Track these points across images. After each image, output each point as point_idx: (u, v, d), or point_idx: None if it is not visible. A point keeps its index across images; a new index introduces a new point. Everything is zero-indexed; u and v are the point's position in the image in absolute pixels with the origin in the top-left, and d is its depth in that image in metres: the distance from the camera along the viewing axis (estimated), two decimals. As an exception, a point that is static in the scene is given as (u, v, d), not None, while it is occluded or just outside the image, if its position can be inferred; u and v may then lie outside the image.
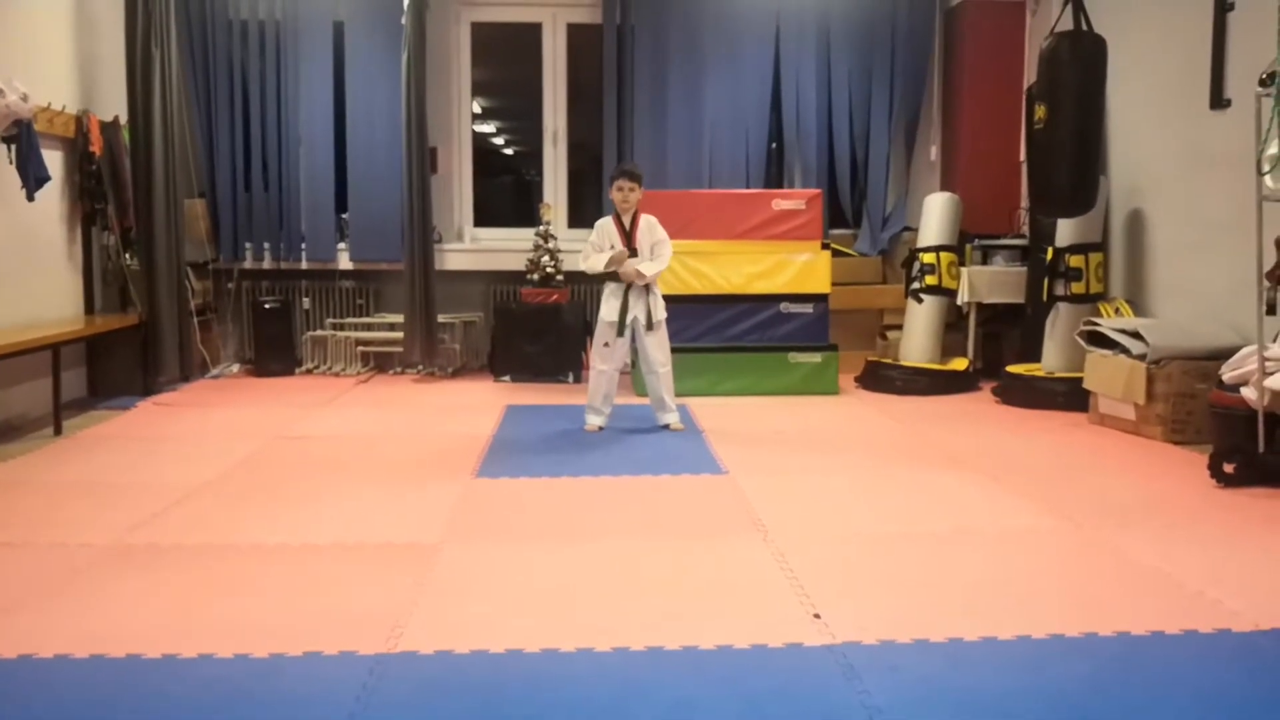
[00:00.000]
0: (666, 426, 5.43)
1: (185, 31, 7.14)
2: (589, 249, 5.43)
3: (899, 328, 7.11)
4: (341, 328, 7.54)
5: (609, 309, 5.37)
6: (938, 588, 3.10)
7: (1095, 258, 6.18)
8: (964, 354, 6.96)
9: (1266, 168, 4.17)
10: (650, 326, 5.37)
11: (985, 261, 7.00)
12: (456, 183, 7.84)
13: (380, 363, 7.53)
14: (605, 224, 5.45)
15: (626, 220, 5.40)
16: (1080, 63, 5.60)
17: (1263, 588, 3.09)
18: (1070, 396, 5.88)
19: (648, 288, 5.38)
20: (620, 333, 5.35)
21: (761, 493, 4.16)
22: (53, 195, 5.98)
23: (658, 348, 5.41)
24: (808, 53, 7.58)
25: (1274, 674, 2.52)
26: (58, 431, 5.36)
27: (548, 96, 7.84)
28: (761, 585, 3.11)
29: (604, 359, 5.39)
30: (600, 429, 5.41)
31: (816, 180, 7.55)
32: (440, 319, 7.25)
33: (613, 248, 5.35)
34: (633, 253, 5.35)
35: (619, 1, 7.45)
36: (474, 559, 3.37)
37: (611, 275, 5.37)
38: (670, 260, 5.45)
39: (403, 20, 6.94)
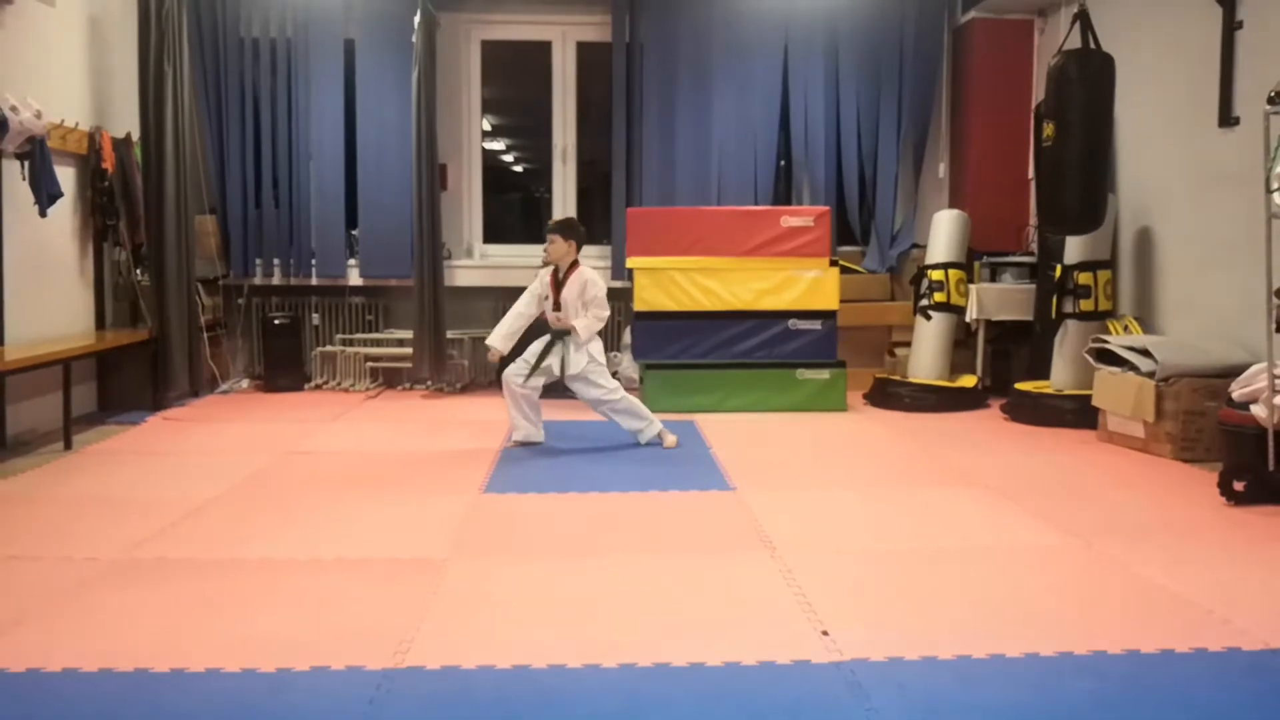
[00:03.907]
0: (653, 442, 5.38)
1: (197, 49, 7.19)
2: (518, 303, 5.35)
3: (907, 344, 7.11)
4: (351, 343, 7.56)
5: (531, 350, 5.30)
6: (946, 605, 3.09)
7: (1104, 275, 6.18)
8: (972, 371, 6.95)
9: (1275, 185, 4.17)
10: (562, 377, 5.31)
11: (994, 279, 7.01)
12: (466, 199, 7.88)
13: (389, 378, 7.55)
14: (543, 275, 5.39)
15: (560, 274, 5.33)
16: (1088, 80, 5.61)
17: (1272, 606, 3.08)
18: (1079, 414, 5.87)
19: (571, 342, 5.30)
20: (527, 377, 5.28)
21: (769, 509, 4.15)
22: (65, 211, 6.02)
23: (587, 389, 5.32)
24: (816, 70, 7.60)
25: (1284, 693, 2.51)
26: (68, 446, 5.38)
27: (557, 114, 7.88)
28: (769, 602, 3.11)
29: (521, 386, 5.31)
30: (535, 443, 5.40)
31: (825, 197, 7.55)
32: (449, 335, 7.28)
33: (546, 299, 5.32)
34: (556, 306, 5.30)
35: (628, 19, 7.50)
36: (481, 574, 3.37)
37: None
38: (603, 321, 5.32)
39: (413, 38, 6.99)
